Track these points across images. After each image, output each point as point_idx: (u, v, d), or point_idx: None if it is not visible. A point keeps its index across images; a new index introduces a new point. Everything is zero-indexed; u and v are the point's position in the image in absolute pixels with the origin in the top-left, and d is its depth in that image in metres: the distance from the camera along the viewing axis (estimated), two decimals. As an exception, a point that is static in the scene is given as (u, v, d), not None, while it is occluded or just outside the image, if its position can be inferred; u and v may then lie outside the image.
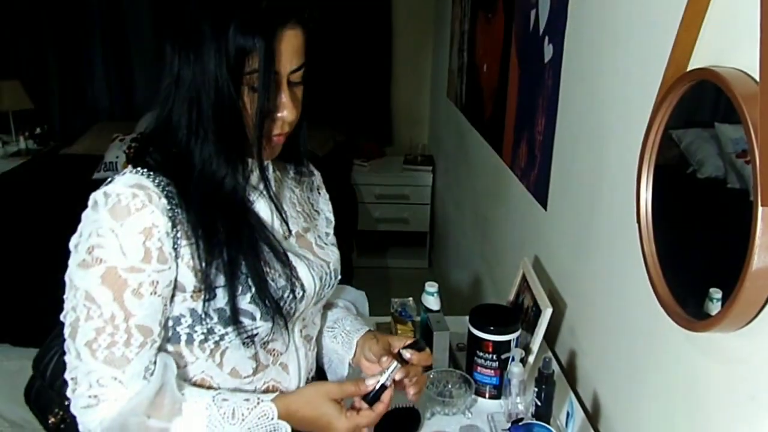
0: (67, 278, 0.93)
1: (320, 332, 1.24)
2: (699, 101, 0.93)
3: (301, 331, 1.12)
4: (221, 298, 0.96)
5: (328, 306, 1.27)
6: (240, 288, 0.97)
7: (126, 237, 0.89)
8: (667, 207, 1.00)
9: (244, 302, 0.97)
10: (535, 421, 1.19)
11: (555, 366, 1.30)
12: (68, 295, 0.93)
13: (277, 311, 1.00)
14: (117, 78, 4.41)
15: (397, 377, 1.03)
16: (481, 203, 2.61)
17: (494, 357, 1.35)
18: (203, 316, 0.97)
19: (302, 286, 1.05)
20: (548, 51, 1.67)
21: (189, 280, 0.95)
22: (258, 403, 0.97)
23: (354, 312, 1.30)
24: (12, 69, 4.26)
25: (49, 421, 1.13)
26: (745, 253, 0.75)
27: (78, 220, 0.93)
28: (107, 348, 0.90)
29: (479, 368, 1.38)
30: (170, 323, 0.98)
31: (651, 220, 1.01)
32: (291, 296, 1.03)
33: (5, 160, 4.10)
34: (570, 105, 1.53)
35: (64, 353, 1.03)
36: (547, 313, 1.39)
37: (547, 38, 1.69)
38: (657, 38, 1.04)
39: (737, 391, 0.84)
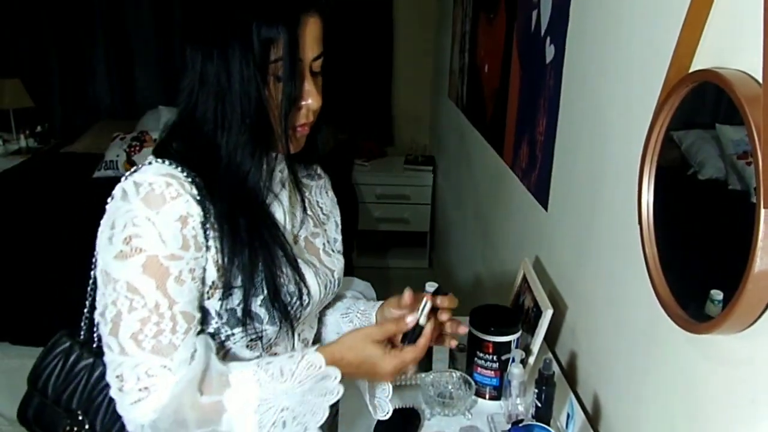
0: (100, 273, 0.91)
1: (326, 327, 1.24)
2: (701, 103, 0.92)
3: (299, 334, 1.12)
4: (235, 299, 0.96)
5: (338, 298, 1.26)
6: (254, 290, 0.96)
7: (163, 225, 0.88)
8: (669, 208, 1.00)
9: (255, 305, 0.97)
10: (535, 423, 1.19)
11: (555, 367, 1.29)
12: (105, 291, 0.89)
13: (285, 316, 0.99)
14: (118, 76, 4.41)
15: (423, 321, 1.00)
16: (482, 203, 2.60)
17: (494, 358, 1.35)
18: (214, 315, 0.96)
19: (309, 293, 1.05)
20: (550, 52, 1.67)
21: (210, 274, 0.94)
22: (303, 357, 0.95)
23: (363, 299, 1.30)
24: (13, 67, 4.26)
25: None
26: (746, 255, 0.75)
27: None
28: (154, 337, 0.88)
29: (479, 369, 1.37)
30: None
31: (652, 221, 1.01)
32: (298, 303, 1.02)
33: (6, 158, 4.10)
34: (571, 106, 1.53)
35: (65, 366, 1.02)
36: (547, 314, 1.39)
37: (548, 39, 1.69)
38: (659, 39, 1.04)
39: (738, 393, 0.84)
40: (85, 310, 1.08)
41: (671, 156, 0.98)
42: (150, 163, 0.94)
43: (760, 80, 0.76)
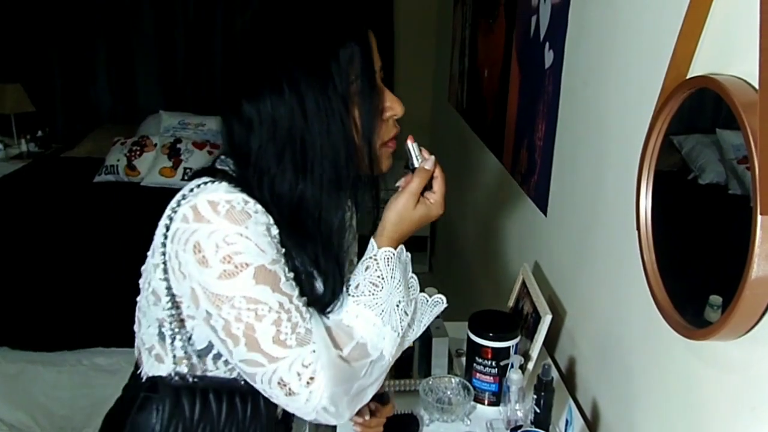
0: (208, 300, 0.87)
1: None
2: (700, 108, 0.92)
3: None
4: None
5: None
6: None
7: (256, 237, 0.87)
8: (668, 214, 1.00)
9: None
10: (534, 429, 1.19)
11: (554, 373, 1.29)
12: (220, 311, 0.86)
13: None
14: (119, 81, 4.42)
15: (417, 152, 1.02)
16: (482, 208, 2.60)
17: (493, 363, 1.35)
18: None
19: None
20: (549, 57, 1.67)
21: None
22: (377, 261, 0.96)
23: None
24: (14, 72, 4.26)
25: None
26: (745, 261, 0.75)
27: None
28: (293, 332, 0.87)
29: (478, 375, 1.37)
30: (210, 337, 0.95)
31: (651, 227, 1.01)
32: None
33: (7, 163, 4.10)
34: (570, 111, 1.53)
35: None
36: (546, 319, 1.39)
37: (547, 44, 1.69)
38: (657, 45, 1.04)
39: (737, 401, 0.84)
40: (162, 342, 0.99)
41: (671, 161, 0.98)
42: (206, 183, 0.91)
43: (757, 86, 0.76)
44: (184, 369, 0.97)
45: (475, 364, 1.37)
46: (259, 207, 0.89)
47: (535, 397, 1.23)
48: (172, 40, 4.33)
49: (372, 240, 0.99)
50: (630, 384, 1.15)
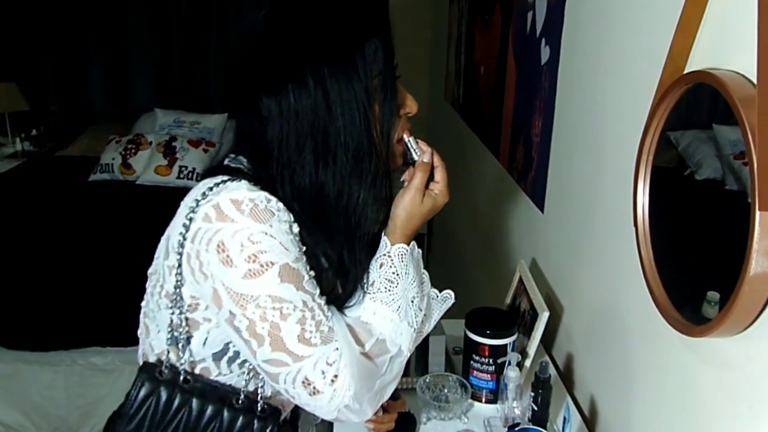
0: (231, 300, 0.86)
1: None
2: (697, 103, 0.92)
3: None
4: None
5: None
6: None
7: (280, 235, 0.87)
8: (665, 210, 0.99)
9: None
10: (531, 426, 1.18)
11: (552, 370, 1.29)
12: (245, 311, 0.86)
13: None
14: (113, 79, 4.41)
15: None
16: (479, 205, 2.60)
17: (490, 361, 1.34)
18: None
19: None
20: (545, 53, 1.67)
21: None
22: (391, 258, 0.97)
23: None
24: (8, 71, 4.24)
25: None
26: (743, 257, 0.74)
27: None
28: (317, 330, 0.87)
29: (475, 372, 1.37)
30: (228, 339, 0.95)
31: (648, 223, 1.00)
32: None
33: (1, 162, 4.09)
34: (567, 107, 1.53)
35: (156, 413, 0.96)
36: (543, 316, 1.38)
37: (543, 40, 1.69)
38: (654, 40, 1.03)
39: (735, 398, 0.83)
40: (173, 346, 0.97)
41: (668, 157, 0.97)
42: (225, 182, 0.91)
43: (755, 81, 0.75)
44: (188, 368, 0.96)
45: (472, 362, 1.37)
46: (281, 205, 0.89)
47: (532, 394, 1.23)
48: (166, 38, 4.32)
49: (384, 237, 0.99)
50: (628, 381, 1.15)
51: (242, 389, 0.99)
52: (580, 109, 1.43)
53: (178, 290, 0.92)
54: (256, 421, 0.97)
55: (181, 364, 0.96)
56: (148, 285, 1.00)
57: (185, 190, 0.98)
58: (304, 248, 0.92)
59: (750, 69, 0.78)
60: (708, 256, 0.92)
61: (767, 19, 0.72)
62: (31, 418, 2.44)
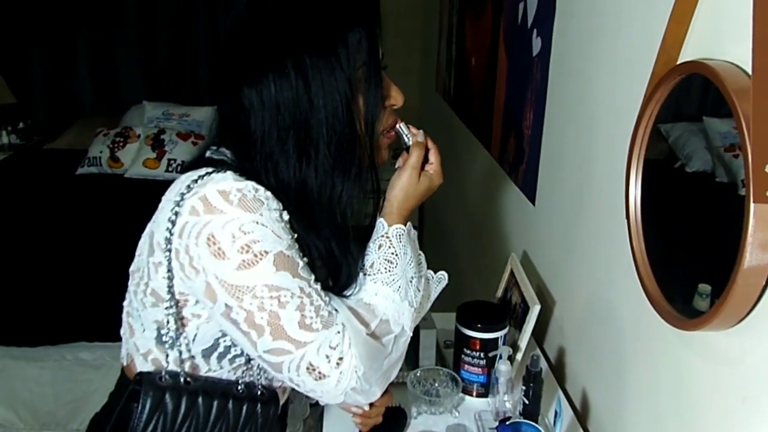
0: (226, 293, 0.84)
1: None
2: (688, 95, 0.91)
3: None
4: None
5: None
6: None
7: (271, 223, 0.86)
8: (656, 202, 0.98)
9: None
10: (523, 420, 1.17)
11: (543, 364, 1.28)
12: (242, 304, 0.84)
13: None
14: (101, 72, 4.36)
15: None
16: (470, 198, 2.59)
17: (481, 355, 1.34)
18: None
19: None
20: (536, 44, 1.65)
21: None
22: (389, 238, 0.98)
23: None
24: (-6, 63, 4.19)
25: None
26: (735, 249, 0.73)
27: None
28: (317, 315, 0.86)
29: (466, 366, 1.36)
30: (219, 335, 0.94)
31: (640, 216, 0.99)
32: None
33: (-12, 155, 4.05)
34: (558, 99, 1.51)
35: (166, 424, 0.93)
36: (535, 310, 1.38)
37: (535, 31, 1.67)
38: (646, 31, 1.02)
39: (728, 391, 0.83)
40: (161, 345, 0.95)
41: (658, 149, 0.97)
42: (209, 174, 0.89)
43: (749, 71, 0.74)
44: (180, 369, 0.94)
45: (463, 356, 1.36)
46: (269, 194, 0.88)
47: (523, 388, 1.22)
48: (154, 30, 4.27)
49: (380, 219, 0.99)
50: (620, 374, 1.14)
51: (240, 380, 0.98)
52: (571, 101, 1.42)
53: (164, 287, 0.90)
54: (259, 406, 0.97)
55: (178, 364, 0.94)
56: (131, 283, 0.97)
57: None
58: (296, 235, 0.91)
59: (744, 59, 0.77)
60: (700, 249, 0.92)
61: (762, 9, 0.71)
62: (18, 413, 2.41)
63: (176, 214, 0.86)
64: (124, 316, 1.01)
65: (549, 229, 1.57)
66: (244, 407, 0.96)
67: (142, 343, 0.96)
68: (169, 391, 0.93)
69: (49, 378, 2.39)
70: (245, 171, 0.89)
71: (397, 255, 0.97)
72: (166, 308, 0.91)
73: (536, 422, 1.18)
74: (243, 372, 0.98)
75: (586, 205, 1.32)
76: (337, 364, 0.86)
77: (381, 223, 0.99)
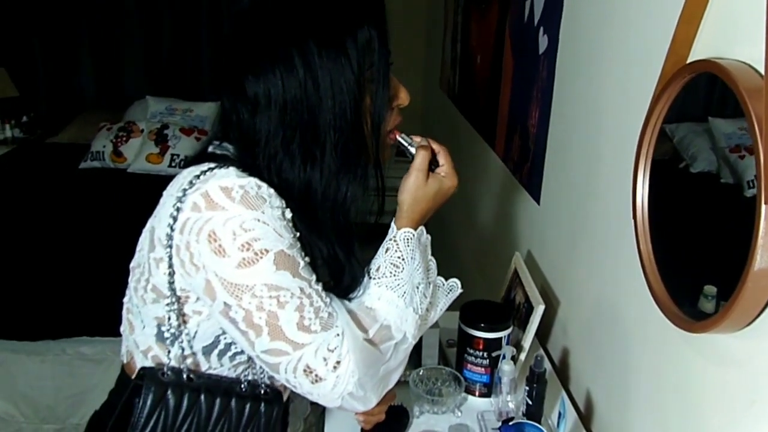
0: (226, 291, 0.83)
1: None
2: (695, 95, 0.90)
3: None
4: None
5: None
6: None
7: (273, 221, 0.84)
8: (663, 203, 0.97)
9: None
10: (525, 421, 1.17)
11: (547, 364, 1.27)
12: (241, 302, 0.83)
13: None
14: (104, 66, 4.35)
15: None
16: (473, 196, 2.58)
17: (485, 354, 1.33)
18: None
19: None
20: (543, 42, 1.64)
21: None
22: (396, 242, 0.96)
23: None
24: (-3, 56, 4.19)
25: None
26: (744, 251, 0.72)
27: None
28: (317, 317, 0.85)
29: (469, 366, 1.35)
30: (219, 332, 0.93)
31: (648, 216, 0.98)
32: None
33: (-9, 149, 4.04)
34: (565, 97, 1.50)
35: (167, 420, 0.92)
36: (539, 310, 1.37)
37: (542, 29, 1.66)
38: (656, 29, 1.01)
39: (736, 394, 0.82)
40: (161, 342, 0.94)
41: (663, 149, 0.96)
42: (212, 170, 0.88)
43: (762, 71, 0.73)
44: (182, 366, 0.93)
45: (466, 355, 1.35)
46: (272, 191, 0.87)
47: (527, 388, 1.21)
48: (158, 24, 4.26)
49: (392, 223, 0.98)
50: (625, 376, 1.13)
51: (243, 377, 0.97)
52: (578, 100, 1.41)
53: (165, 283, 0.89)
54: (263, 405, 0.96)
55: (178, 361, 0.93)
56: (131, 279, 0.97)
57: None
58: (298, 234, 0.89)
59: (756, 59, 0.75)
60: (706, 251, 0.91)
61: (776, 7, 0.70)
62: (19, 407, 2.41)
63: (178, 209, 0.85)
64: (123, 312, 1.00)
65: (554, 229, 1.56)
66: (247, 406, 0.95)
67: (142, 339, 0.96)
68: (171, 387, 0.92)
69: (50, 372, 2.39)
70: (248, 167, 0.88)
71: (403, 259, 0.95)
72: (167, 305, 0.90)
73: (539, 423, 1.17)
74: (244, 370, 0.97)
75: (592, 205, 1.31)
76: (334, 367, 0.85)
77: (392, 227, 0.98)
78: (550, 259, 1.59)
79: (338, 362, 0.85)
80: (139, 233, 0.96)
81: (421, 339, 1.41)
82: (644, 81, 1.01)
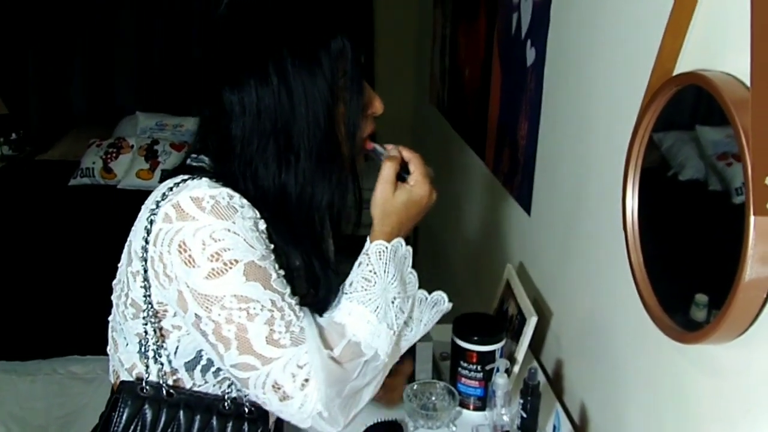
0: (196, 302, 0.83)
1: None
2: (682, 104, 0.91)
3: None
4: None
5: None
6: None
7: (244, 232, 0.84)
8: (652, 213, 0.98)
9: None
10: (521, 434, 1.16)
11: (541, 377, 1.27)
12: (210, 313, 0.82)
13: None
14: (94, 82, 4.33)
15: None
16: (465, 208, 2.58)
17: (478, 368, 1.32)
18: None
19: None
20: (531, 55, 1.65)
21: None
22: (368, 255, 0.93)
23: None
24: (-14, 73, 4.17)
25: None
26: (731, 259, 0.73)
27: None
28: (287, 331, 0.84)
29: (463, 379, 1.34)
30: (200, 347, 0.92)
31: (637, 227, 0.99)
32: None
33: (-21, 167, 4.01)
34: (553, 109, 1.51)
35: None
36: (531, 321, 1.36)
37: (529, 42, 1.67)
38: (642, 41, 1.02)
39: (731, 404, 0.82)
40: (143, 358, 0.93)
41: (651, 157, 0.96)
42: (185, 181, 0.88)
43: (747, 83, 0.74)
44: (162, 381, 0.92)
45: (460, 369, 1.35)
46: (245, 201, 0.86)
47: (521, 401, 1.21)
48: (148, 40, 4.26)
49: (368, 237, 0.96)
50: (619, 388, 1.13)
51: (226, 395, 0.95)
52: (566, 112, 1.42)
53: (147, 297, 0.88)
54: (246, 425, 0.94)
55: (161, 377, 0.92)
56: (114, 296, 0.96)
57: None
58: (273, 246, 0.89)
59: (741, 70, 0.76)
60: (697, 259, 0.91)
61: (760, 20, 0.71)
62: (9, 428, 2.38)
63: (151, 222, 0.86)
64: (109, 331, 0.99)
65: (545, 240, 1.56)
66: (230, 424, 0.93)
67: (126, 357, 0.95)
68: (148, 402, 0.91)
69: (41, 392, 2.36)
70: (222, 177, 0.89)
71: (375, 273, 0.92)
72: (144, 318, 0.89)
73: (534, 436, 1.17)
74: (230, 386, 0.96)
75: (582, 215, 1.31)
76: (302, 385, 0.83)
77: (367, 240, 0.96)
78: (542, 270, 1.60)
79: (306, 380, 0.83)
80: None
81: (414, 353, 1.41)
82: (632, 92, 1.02)
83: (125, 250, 0.93)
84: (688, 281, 0.91)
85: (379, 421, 1.26)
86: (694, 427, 0.90)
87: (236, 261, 0.82)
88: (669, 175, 0.94)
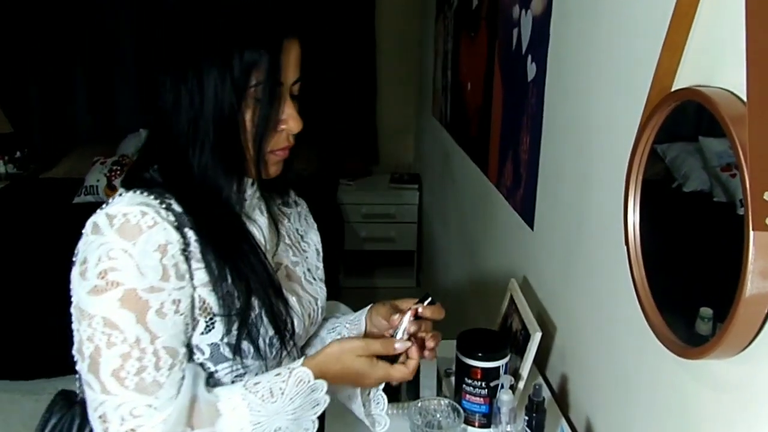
0: (74, 309, 0.87)
1: (314, 347, 1.21)
2: (684, 117, 0.91)
3: (280, 362, 1.09)
4: (217, 332, 0.92)
5: (325, 318, 1.24)
6: (239, 321, 0.93)
7: (142, 256, 0.84)
8: (655, 227, 0.98)
9: (241, 338, 0.94)
10: (526, 451, 1.15)
11: (546, 392, 1.26)
12: (80, 327, 0.85)
13: (271, 349, 0.97)
14: (98, 100, 4.37)
15: (412, 329, 1.02)
16: (468, 222, 2.58)
17: (483, 384, 1.32)
18: (195, 350, 0.93)
19: (292, 323, 1.02)
20: (531, 69, 1.66)
21: (192, 305, 0.91)
22: (290, 373, 0.92)
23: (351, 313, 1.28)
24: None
25: None
26: (736, 272, 0.72)
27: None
28: (137, 374, 0.83)
29: (468, 396, 1.34)
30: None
31: (639, 242, 0.99)
32: (287, 334, 1.00)
33: (-15, 185, 4.04)
34: (555, 123, 1.52)
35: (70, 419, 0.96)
36: (536, 337, 1.36)
37: (530, 57, 1.68)
38: (640, 56, 1.02)
39: (734, 419, 0.81)
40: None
41: (655, 169, 0.96)
42: (120, 195, 0.91)
43: (744, 98, 0.74)
44: None
45: (464, 385, 1.34)
46: (160, 224, 0.87)
47: (526, 418, 1.20)
48: (149, 59, 4.29)
49: (305, 355, 0.98)
50: (623, 403, 1.12)
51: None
52: (568, 126, 1.42)
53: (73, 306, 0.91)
54: None
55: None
56: None
57: None
58: (206, 275, 0.90)
59: (738, 86, 0.76)
60: (700, 273, 0.91)
61: (755, 35, 0.71)
62: (14, 448, 2.38)
63: (82, 234, 0.89)
64: None
65: (548, 254, 1.56)
66: None
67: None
68: (78, 406, 0.96)
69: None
70: (157, 184, 0.93)
71: (283, 394, 0.90)
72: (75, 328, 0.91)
73: (540, 453, 1.16)
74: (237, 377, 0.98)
75: (585, 230, 1.31)
76: None
77: (301, 362, 0.95)
78: (545, 284, 1.59)
79: (134, 431, 0.83)
80: None
81: (419, 369, 1.40)
82: (632, 106, 1.02)
83: None
84: (691, 296, 0.91)
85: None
86: (699, 444, 0.89)
87: (118, 284, 0.84)
88: (673, 187, 0.94)
